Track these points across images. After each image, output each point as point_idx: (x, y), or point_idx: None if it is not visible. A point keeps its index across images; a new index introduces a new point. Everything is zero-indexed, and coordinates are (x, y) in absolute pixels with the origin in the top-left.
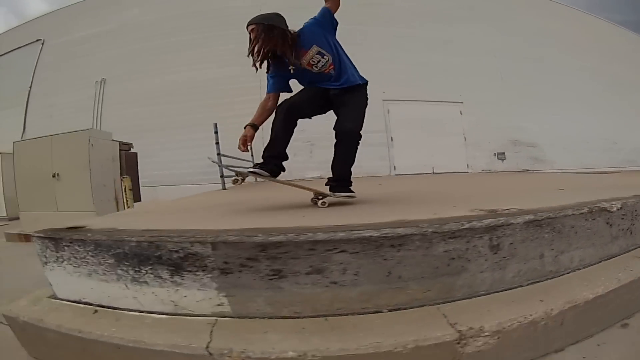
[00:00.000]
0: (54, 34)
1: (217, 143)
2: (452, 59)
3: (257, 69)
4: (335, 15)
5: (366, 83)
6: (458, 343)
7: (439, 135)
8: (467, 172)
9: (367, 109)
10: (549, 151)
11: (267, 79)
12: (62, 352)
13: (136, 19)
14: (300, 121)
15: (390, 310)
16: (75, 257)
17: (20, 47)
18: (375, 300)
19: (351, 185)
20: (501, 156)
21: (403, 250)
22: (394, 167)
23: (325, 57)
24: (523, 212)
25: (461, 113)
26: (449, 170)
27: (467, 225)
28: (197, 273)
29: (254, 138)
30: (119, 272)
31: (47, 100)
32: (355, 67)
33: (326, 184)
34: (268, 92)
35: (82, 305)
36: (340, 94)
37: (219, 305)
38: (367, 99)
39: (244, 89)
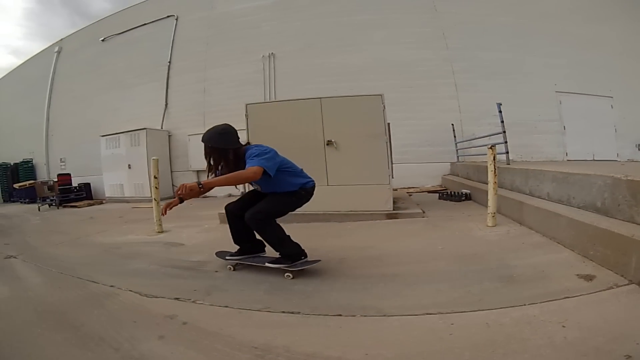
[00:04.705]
0: (192, 9)
1: (502, 122)
2: (603, 55)
3: (214, 174)
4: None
5: (295, 190)
6: None
7: (596, 126)
8: (616, 161)
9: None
10: None
11: None
12: None
13: None
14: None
15: None
16: None
17: (149, 23)
18: None
19: (296, 259)
20: None
21: None
22: (566, 153)
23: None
24: None
25: (612, 107)
26: (604, 158)
27: None
28: None
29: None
30: None
31: (195, 75)
32: (296, 178)
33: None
34: None
35: None
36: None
37: None
38: (291, 198)
39: (438, 72)
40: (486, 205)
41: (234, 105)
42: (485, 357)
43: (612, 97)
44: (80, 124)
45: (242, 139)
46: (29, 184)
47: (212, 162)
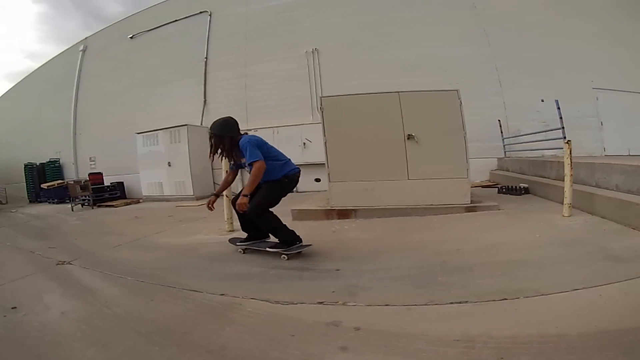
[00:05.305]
0: (226, 4)
1: (561, 118)
2: (637, 52)
3: (212, 159)
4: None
5: (278, 179)
6: None
7: (631, 122)
8: None
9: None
10: None
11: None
12: None
13: None
14: (535, 103)
15: None
16: None
17: (181, 19)
18: None
19: (291, 244)
20: None
21: None
22: (604, 148)
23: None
24: None
25: None
26: (636, 153)
27: None
28: None
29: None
30: None
31: (235, 71)
32: (280, 167)
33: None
34: (230, 169)
35: None
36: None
37: None
38: (277, 186)
39: (482, 68)
40: (548, 198)
41: (279, 101)
42: None
43: None
44: (111, 122)
45: (305, 135)
46: (58, 183)
47: (213, 146)
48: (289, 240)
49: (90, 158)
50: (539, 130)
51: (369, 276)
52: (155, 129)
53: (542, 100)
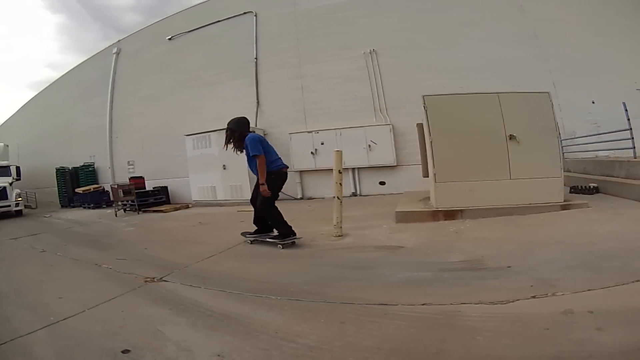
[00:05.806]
0: (270, 5)
1: (628, 119)
2: None
3: (226, 148)
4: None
5: (272, 171)
6: None
7: None
8: None
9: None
10: None
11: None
12: None
13: None
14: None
15: None
16: None
17: (222, 20)
18: None
19: (287, 236)
20: None
21: None
22: None
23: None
24: None
25: None
26: None
27: None
28: None
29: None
30: None
31: (290, 71)
32: (269, 164)
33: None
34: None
35: None
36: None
37: None
38: (269, 180)
39: (534, 70)
40: (622, 196)
41: (339, 102)
42: None
43: None
44: (151, 124)
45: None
46: (94, 188)
47: (227, 137)
48: (286, 234)
49: (128, 162)
50: (592, 131)
51: (544, 269)
52: (204, 130)
53: (593, 102)
